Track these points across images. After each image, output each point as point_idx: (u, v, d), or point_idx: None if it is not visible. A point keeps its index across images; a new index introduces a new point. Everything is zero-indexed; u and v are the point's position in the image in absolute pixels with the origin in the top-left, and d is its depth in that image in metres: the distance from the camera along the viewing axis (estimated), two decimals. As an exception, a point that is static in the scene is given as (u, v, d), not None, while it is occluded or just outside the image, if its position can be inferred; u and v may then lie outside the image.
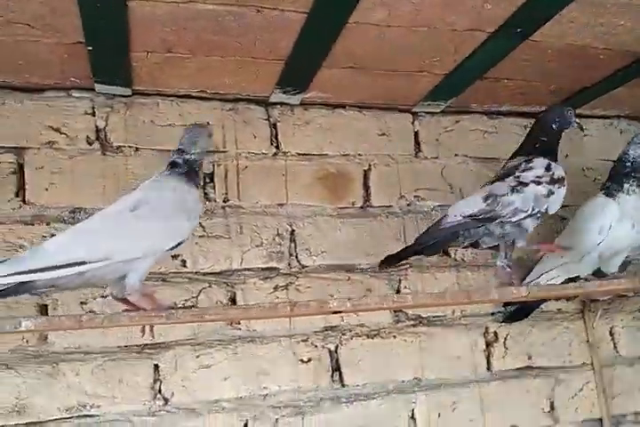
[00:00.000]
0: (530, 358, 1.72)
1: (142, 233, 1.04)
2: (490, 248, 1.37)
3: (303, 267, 1.56)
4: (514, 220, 1.28)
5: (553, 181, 1.32)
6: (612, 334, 1.83)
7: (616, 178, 1.52)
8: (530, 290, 1.26)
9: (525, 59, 1.48)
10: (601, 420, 1.74)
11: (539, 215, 1.30)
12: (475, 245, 1.34)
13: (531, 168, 1.33)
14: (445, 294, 1.25)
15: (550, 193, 1.30)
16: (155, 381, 1.37)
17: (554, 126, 1.42)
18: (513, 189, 1.29)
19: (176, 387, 1.38)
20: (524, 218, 1.29)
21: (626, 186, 1.48)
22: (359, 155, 1.68)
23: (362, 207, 1.66)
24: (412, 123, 1.77)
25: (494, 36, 1.35)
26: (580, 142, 1.93)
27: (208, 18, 1.20)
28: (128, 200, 1.08)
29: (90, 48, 1.24)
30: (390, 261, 1.34)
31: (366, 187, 1.68)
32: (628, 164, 1.49)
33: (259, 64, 1.41)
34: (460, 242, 1.32)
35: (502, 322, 1.71)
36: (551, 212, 1.33)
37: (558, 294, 1.40)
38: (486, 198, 1.30)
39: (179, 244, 1.08)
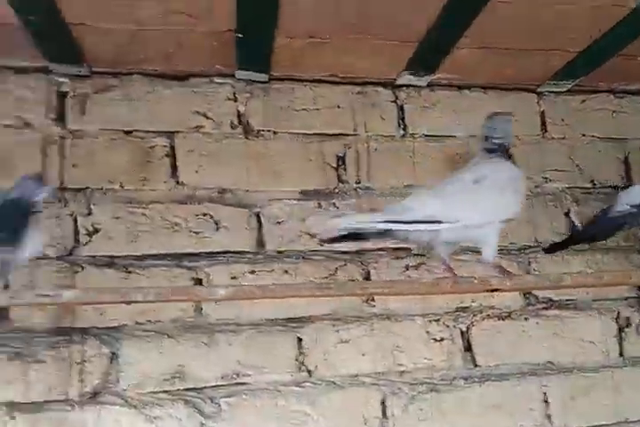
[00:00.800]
0: (665, 343, 1.66)
1: (485, 203, 1.15)
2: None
3: (433, 248, 1.58)
4: None
5: None
6: None
7: None
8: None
9: (663, 35, 1.43)
10: None
11: None
12: None
13: None
14: (603, 275, 1.23)
15: None
16: (299, 353, 1.43)
17: None
18: None
19: (318, 360, 1.43)
20: None
21: None
22: (485, 136, 1.67)
23: (490, 189, 1.65)
24: (538, 103, 1.74)
25: (635, 12, 1.31)
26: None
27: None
28: (467, 175, 1.20)
29: (239, 35, 1.31)
30: (555, 249, 1.33)
31: (494, 168, 1.67)
32: None
33: (391, 47, 1.43)
34: (625, 229, 1.28)
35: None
36: None
37: None
38: None
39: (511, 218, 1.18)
